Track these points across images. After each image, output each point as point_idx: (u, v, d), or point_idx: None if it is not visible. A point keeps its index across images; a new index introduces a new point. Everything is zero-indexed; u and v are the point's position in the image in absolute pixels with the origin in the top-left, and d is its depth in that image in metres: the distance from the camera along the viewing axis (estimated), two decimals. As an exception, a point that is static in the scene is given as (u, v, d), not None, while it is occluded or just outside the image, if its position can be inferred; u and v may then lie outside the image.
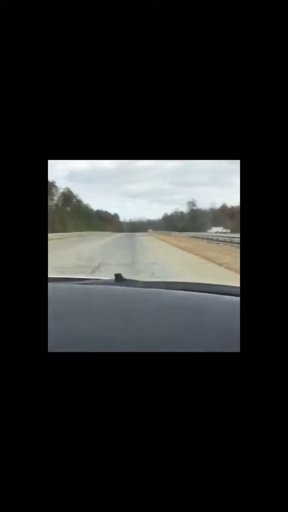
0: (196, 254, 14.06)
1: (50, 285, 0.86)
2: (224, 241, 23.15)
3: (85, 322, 0.97)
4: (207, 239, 27.82)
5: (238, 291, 0.76)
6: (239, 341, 0.71)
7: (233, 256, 11.36)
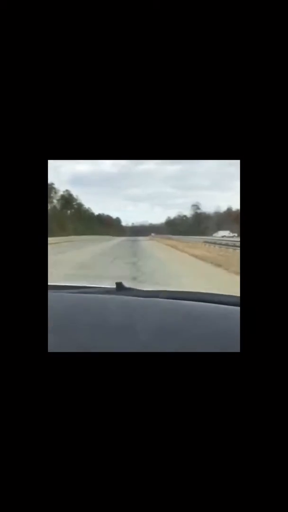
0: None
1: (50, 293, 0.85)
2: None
3: (79, 336, 0.96)
4: (225, 244, 20.46)
5: (238, 300, 0.76)
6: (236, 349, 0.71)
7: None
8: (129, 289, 1.26)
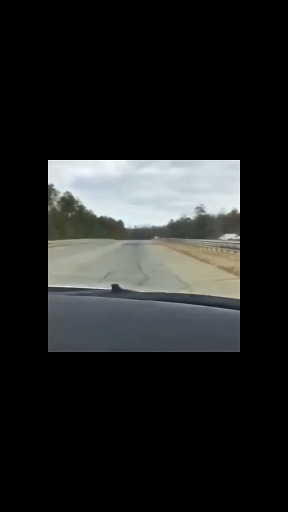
0: None
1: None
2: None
3: (74, 337, 0.96)
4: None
5: (238, 304, 0.75)
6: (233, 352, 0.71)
7: None
8: (126, 291, 1.25)
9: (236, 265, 9.74)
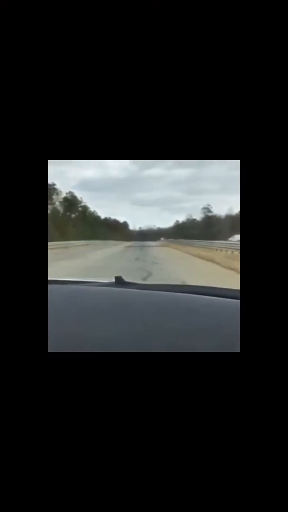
0: None
1: (49, 286, 0.86)
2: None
3: (81, 324, 0.99)
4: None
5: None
6: (237, 343, 0.71)
7: None
8: (129, 283, 1.27)
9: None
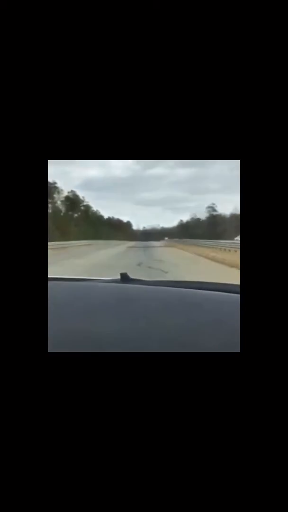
0: None
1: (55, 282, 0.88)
2: None
3: (84, 318, 1.01)
4: None
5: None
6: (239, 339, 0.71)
7: None
8: (134, 280, 1.29)
9: None
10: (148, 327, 0.95)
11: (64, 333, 0.92)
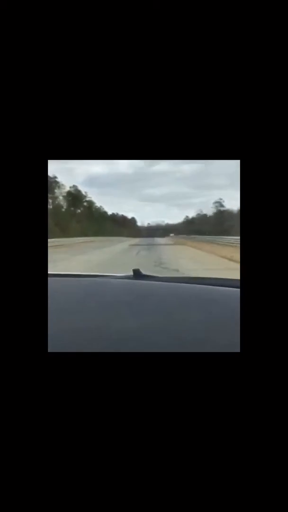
0: None
1: (71, 279, 0.89)
2: None
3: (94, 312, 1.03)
4: None
5: None
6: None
7: None
8: (147, 276, 1.31)
9: None
10: (167, 324, 0.96)
11: (81, 331, 0.94)
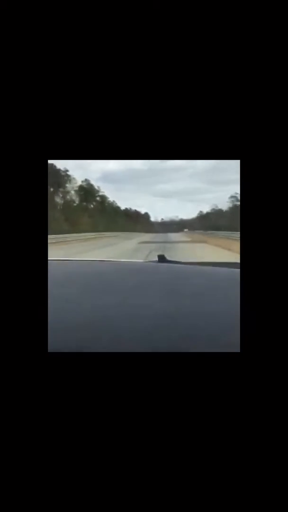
0: None
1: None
2: None
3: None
4: None
5: None
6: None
7: None
8: (171, 261, 1.38)
9: None
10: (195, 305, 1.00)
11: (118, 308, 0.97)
